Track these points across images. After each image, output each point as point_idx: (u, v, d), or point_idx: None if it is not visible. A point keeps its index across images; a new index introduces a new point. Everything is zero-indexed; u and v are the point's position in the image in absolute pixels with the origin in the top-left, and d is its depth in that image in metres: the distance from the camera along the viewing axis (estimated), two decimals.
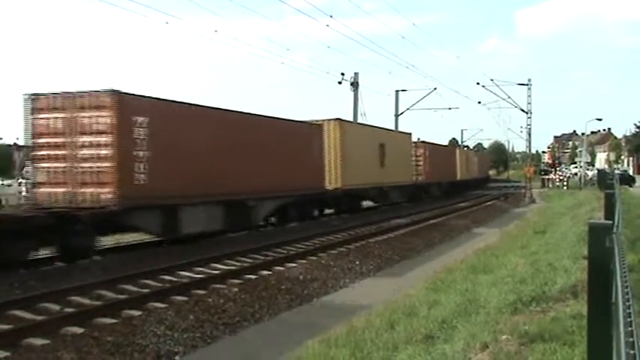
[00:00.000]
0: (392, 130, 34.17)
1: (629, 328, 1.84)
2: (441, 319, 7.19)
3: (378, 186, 26.88)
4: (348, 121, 24.99)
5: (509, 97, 40.67)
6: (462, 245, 17.26)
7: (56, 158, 12.77)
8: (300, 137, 19.93)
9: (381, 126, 31.21)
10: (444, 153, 42.82)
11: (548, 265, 10.06)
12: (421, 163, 34.98)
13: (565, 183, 51.83)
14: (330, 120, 22.86)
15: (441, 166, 38.94)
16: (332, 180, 22.26)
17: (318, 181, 21.02)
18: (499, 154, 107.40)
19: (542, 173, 63.30)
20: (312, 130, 21.37)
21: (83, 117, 12.61)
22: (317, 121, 22.35)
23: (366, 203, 28.82)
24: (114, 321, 7.89)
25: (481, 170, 61.60)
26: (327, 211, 24.65)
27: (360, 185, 24.54)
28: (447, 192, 40.58)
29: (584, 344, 3.71)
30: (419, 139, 37.83)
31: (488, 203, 35.80)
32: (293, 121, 20.56)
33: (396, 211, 26.99)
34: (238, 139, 16.10)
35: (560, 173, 60.64)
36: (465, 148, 72.82)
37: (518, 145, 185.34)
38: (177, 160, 13.87)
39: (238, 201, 16.19)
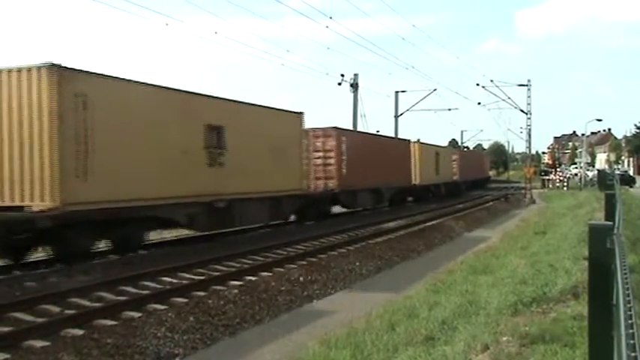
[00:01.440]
0: (246, 104, 17.62)
1: (630, 330, 1.83)
2: (441, 320, 7.19)
3: (202, 200, 15.19)
4: (111, 77, 12.69)
5: (509, 98, 40.84)
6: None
7: None
8: None
9: (218, 95, 16.39)
10: (385, 148, 29.08)
11: (548, 266, 10.06)
12: (332, 161, 23.33)
13: (565, 184, 51.97)
14: (30, 68, 11.28)
15: (380, 166, 26.99)
16: (33, 195, 11.26)
17: None
18: (499, 155, 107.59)
19: (543, 174, 63.42)
20: None
21: None
22: None
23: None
24: (114, 323, 7.89)
25: (469, 172, 50.58)
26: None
27: (140, 201, 13.12)
28: (394, 201, 30.51)
29: (585, 345, 3.70)
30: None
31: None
32: None
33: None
34: None
35: (561, 174, 60.75)
36: (465, 149, 72.94)
37: (518, 146, 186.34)
38: None
39: None
